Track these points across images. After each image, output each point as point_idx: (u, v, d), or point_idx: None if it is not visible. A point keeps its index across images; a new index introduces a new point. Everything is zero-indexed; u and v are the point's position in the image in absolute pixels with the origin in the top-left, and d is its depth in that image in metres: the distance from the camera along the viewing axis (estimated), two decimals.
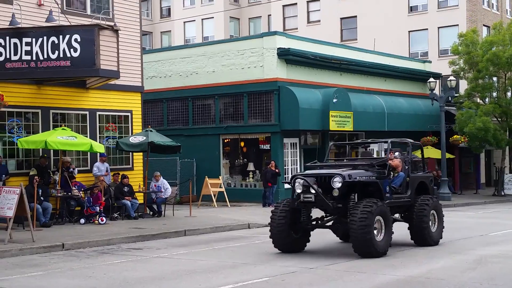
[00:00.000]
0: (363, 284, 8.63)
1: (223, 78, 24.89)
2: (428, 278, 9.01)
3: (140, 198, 18.63)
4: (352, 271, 9.61)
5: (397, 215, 12.71)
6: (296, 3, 40.40)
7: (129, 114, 19.25)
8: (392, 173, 12.20)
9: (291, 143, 24.81)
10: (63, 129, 16.15)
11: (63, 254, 12.00)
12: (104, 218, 16.24)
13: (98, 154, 17.71)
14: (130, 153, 19.18)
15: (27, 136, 16.29)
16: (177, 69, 26.19)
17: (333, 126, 24.47)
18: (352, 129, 25.47)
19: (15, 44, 15.02)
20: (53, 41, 14.99)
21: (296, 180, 11.30)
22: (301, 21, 40.03)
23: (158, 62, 26.71)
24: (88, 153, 17.68)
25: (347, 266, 10.09)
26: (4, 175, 15.42)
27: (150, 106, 26.40)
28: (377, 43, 34.09)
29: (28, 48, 15.03)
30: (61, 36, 15.00)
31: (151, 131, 18.50)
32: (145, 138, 17.92)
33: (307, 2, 40.04)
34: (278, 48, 23.64)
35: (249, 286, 8.58)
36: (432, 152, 28.00)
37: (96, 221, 16.17)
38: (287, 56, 23.77)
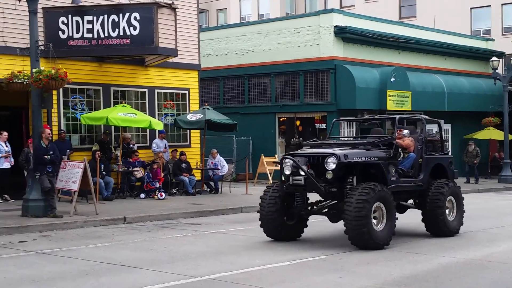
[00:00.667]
0: (429, 264, 8.49)
1: (279, 57, 24.79)
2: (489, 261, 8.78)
3: (197, 174, 18.88)
4: (410, 252, 9.48)
5: (410, 201, 11.38)
6: None
7: (186, 91, 19.44)
8: (402, 154, 10.86)
9: (347, 123, 24.52)
10: (123, 106, 16.48)
11: (125, 227, 12.32)
12: (163, 194, 16.56)
13: (157, 131, 18.02)
14: (188, 130, 19.42)
15: (89, 112, 16.72)
16: (233, 47, 26.23)
17: (390, 106, 24.04)
18: (410, 109, 24.95)
19: (77, 22, 15.35)
20: (113, 19, 15.25)
21: (285, 161, 10.03)
22: None
23: (214, 40, 26.81)
24: (147, 129, 18.00)
25: (406, 247, 9.94)
26: (68, 150, 15.90)
27: (206, 84, 26.58)
28: (437, 20, 33.10)
29: (90, 26, 15.34)
30: (121, 14, 15.23)
31: (208, 108, 18.65)
32: (202, 115, 18.09)
33: None
34: (334, 26, 23.33)
35: (306, 263, 8.59)
36: (494, 134, 27.17)
37: (156, 196, 16.51)
38: (344, 34, 23.43)
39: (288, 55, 24.53)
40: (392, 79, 23.86)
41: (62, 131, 16.00)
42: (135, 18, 15.20)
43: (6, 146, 15.12)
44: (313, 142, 11.25)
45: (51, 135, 13.21)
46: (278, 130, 25.47)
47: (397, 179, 10.34)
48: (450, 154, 12.20)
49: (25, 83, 13.50)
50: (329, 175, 9.65)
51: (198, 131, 19.76)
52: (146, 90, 18.31)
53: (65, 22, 15.37)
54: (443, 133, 12.33)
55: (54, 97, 15.05)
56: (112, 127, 17.20)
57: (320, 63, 23.72)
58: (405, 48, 26.02)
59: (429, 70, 27.22)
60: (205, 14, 49.39)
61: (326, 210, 10.54)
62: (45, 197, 12.64)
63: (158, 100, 18.69)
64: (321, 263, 8.53)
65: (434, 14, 34.18)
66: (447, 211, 11.01)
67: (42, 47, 13.33)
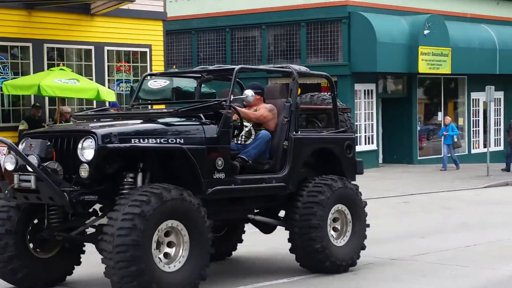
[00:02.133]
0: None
1: (273, 1, 24.72)
2: None
3: None
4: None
5: (261, 218, 9.14)
6: None
7: (147, 49, 19.40)
8: (251, 132, 8.86)
9: (365, 91, 24.61)
10: (61, 69, 16.44)
11: None
12: None
13: (108, 103, 17.98)
14: (149, 102, 19.37)
15: (14, 78, 16.65)
16: None
17: (423, 68, 24.12)
18: (449, 72, 25.05)
19: None
20: None
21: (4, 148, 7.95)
22: None
23: None
24: (94, 101, 17.97)
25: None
26: None
27: (175, 39, 26.46)
28: None
29: None
30: None
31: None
32: (168, 82, 18.06)
33: None
34: None
35: (310, 280, 8.72)
36: None
37: None
38: None
39: None
40: (426, 32, 23.91)
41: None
42: None
43: None
44: (85, 114, 9.07)
45: None
46: None
47: (229, 177, 8.13)
48: (353, 131, 9.99)
49: None
50: (84, 172, 7.33)
51: (163, 104, 19.69)
52: (92, 47, 18.25)
53: None
54: (326, 98, 10.06)
55: None
56: (46, 98, 17.14)
57: (329, 10, 23.66)
58: None
59: (475, 19, 27.28)
60: None
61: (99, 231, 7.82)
62: None
63: (108, 62, 18.63)
64: (331, 279, 8.65)
65: None
66: (331, 231, 9.03)
67: None
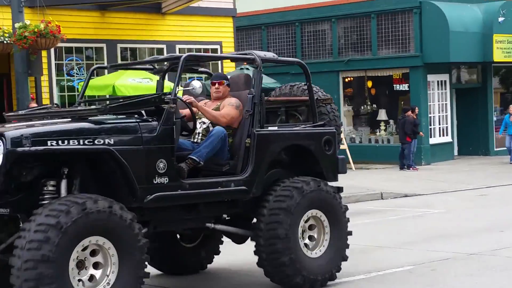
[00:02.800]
0: None
1: None
2: None
3: None
4: None
5: (223, 227, 8.15)
6: None
7: (218, 46, 19.56)
8: (210, 129, 7.83)
9: (438, 82, 24.28)
10: None
11: None
12: None
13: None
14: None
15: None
16: None
17: (498, 56, 23.65)
18: None
19: None
20: None
21: None
22: None
23: None
24: None
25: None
26: None
27: (245, 35, 26.61)
28: None
29: None
30: None
31: (247, 69, 18.73)
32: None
33: None
34: None
35: (386, 276, 8.66)
36: None
37: None
38: None
39: None
40: (501, 19, 23.46)
41: (56, 105, 16.30)
42: None
43: None
44: (16, 114, 8.11)
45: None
46: (342, 94, 25.36)
47: (174, 182, 7.13)
48: (337, 124, 8.96)
49: (5, 42, 13.85)
50: None
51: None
52: (164, 46, 18.52)
53: None
54: (317, 89, 9.08)
55: (44, 60, 15.39)
56: None
57: (400, 0, 23.43)
58: None
59: None
60: None
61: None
62: None
63: None
64: (408, 276, 8.59)
65: None
66: (304, 241, 7.99)
67: None
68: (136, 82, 15.99)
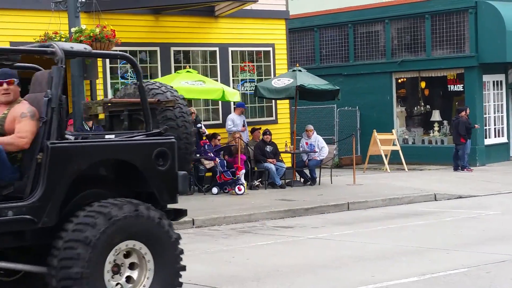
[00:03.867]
0: None
1: None
2: None
3: (287, 160, 19.07)
4: None
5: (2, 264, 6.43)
6: None
7: (270, 48, 19.61)
8: None
9: (494, 82, 23.97)
10: (187, 71, 16.88)
11: (194, 232, 12.71)
12: (242, 187, 16.88)
13: (233, 104, 18.31)
14: (273, 101, 19.59)
15: None
16: None
17: None
18: None
19: None
20: None
21: None
22: None
23: None
24: (219, 102, 18.34)
25: None
26: None
27: (297, 37, 26.62)
28: None
29: None
30: None
31: (299, 70, 18.73)
32: (292, 80, 18.21)
33: None
34: None
35: (441, 278, 8.57)
36: None
37: (233, 191, 16.85)
38: None
39: None
40: None
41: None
42: None
43: None
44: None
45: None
46: (395, 95, 25.19)
47: None
48: (187, 132, 7.40)
49: None
50: None
51: (287, 101, 19.87)
52: (216, 49, 18.63)
53: None
54: (166, 88, 7.54)
55: (99, 63, 15.64)
56: None
57: (455, 0, 23.19)
58: None
59: None
60: None
61: None
62: None
63: (233, 62, 18.97)
64: (463, 279, 8.48)
65: None
66: (115, 279, 6.45)
67: None
68: (189, 85, 16.15)
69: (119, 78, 17.22)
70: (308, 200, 15.73)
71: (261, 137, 18.42)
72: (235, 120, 18.26)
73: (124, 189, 6.92)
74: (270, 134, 18.43)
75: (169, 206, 7.17)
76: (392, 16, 24.65)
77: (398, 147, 22.87)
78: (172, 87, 7.63)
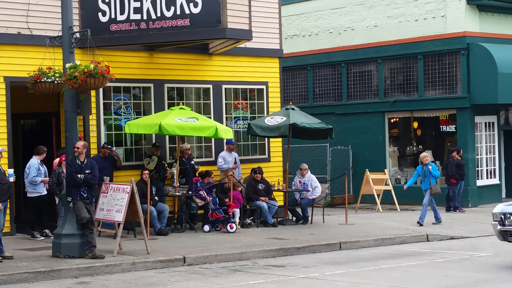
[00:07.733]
0: None
1: (389, 35, 24.62)
2: None
3: (279, 199, 19.03)
4: None
5: None
6: None
7: (264, 86, 19.70)
8: None
9: (486, 123, 24.06)
10: (181, 108, 16.88)
11: (184, 270, 12.63)
12: (234, 225, 16.82)
13: (225, 141, 18.31)
14: (266, 139, 19.62)
15: (136, 118, 17.25)
16: (326, 24, 26.30)
17: None
18: None
19: (121, 0, 15.93)
20: None
21: None
22: None
23: (300, 16, 27.00)
24: (212, 139, 18.34)
25: None
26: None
27: (290, 75, 26.75)
28: None
29: (137, 4, 15.94)
30: None
31: (293, 109, 18.77)
32: (285, 119, 18.24)
33: None
34: None
35: None
36: None
37: (224, 229, 16.79)
38: (480, 1, 23.04)
39: (401, 32, 24.36)
40: None
41: (107, 146, 16.34)
42: None
43: (42, 166, 15.61)
44: None
45: (87, 148, 13.66)
46: (388, 135, 25.26)
47: None
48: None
49: (56, 82, 14.11)
50: None
51: (280, 139, 19.90)
52: (210, 86, 18.70)
53: (106, 0, 15.99)
54: None
55: (93, 99, 15.64)
56: (166, 137, 17.66)
57: (447, 41, 23.37)
58: None
59: None
60: None
61: None
62: (81, 232, 13.15)
63: (226, 100, 19.02)
64: None
65: None
66: None
67: (78, 35, 13.91)
68: (182, 121, 16.16)
69: (112, 114, 17.22)
70: (300, 239, 15.69)
71: (252, 175, 18.38)
72: (225, 158, 18.27)
73: None
74: (261, 173, 18.40)
75: None
76: (385, 56, 24.80)
77: (390, 187, 22.87)
78: None
